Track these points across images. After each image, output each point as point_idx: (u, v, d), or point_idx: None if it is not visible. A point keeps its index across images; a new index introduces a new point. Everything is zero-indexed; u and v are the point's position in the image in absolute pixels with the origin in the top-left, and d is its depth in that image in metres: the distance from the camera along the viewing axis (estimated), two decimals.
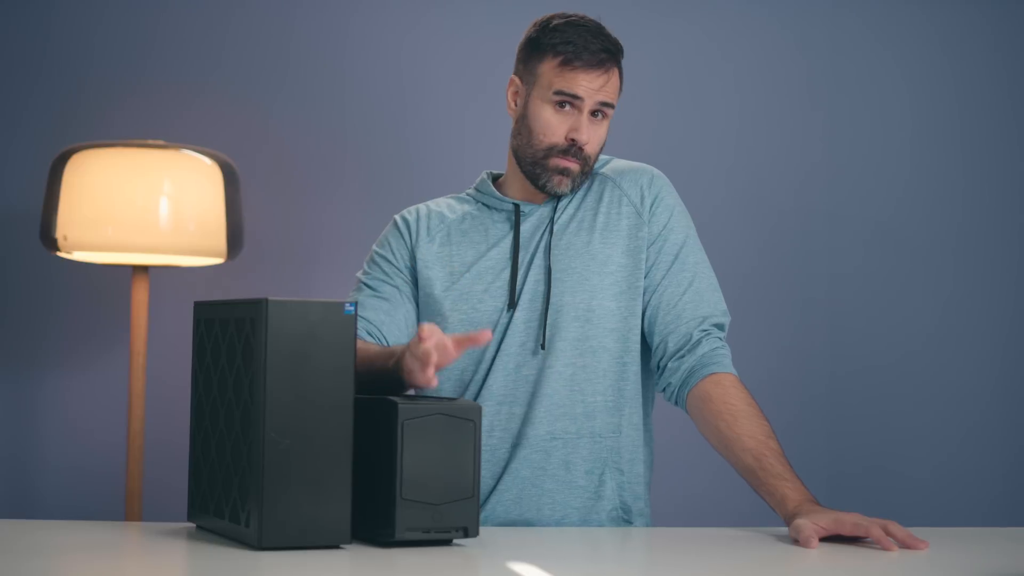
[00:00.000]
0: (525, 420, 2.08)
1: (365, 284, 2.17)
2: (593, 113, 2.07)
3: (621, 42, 2.10)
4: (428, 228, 2.17)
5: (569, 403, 2.08)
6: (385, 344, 2.08)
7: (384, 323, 2.11)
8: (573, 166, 2.07)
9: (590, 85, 2.04)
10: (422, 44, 3.25)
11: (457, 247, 2.15)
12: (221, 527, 1.71)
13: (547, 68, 2.07)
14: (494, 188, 2.17)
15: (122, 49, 3.21)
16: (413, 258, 2.16)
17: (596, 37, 2.05)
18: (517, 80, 2.13)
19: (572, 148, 2.06)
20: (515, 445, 2.08)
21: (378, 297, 2.14)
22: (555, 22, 2.08)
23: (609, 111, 2.08)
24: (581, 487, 2.08)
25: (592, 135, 2.07)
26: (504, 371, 2.09)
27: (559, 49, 2.05)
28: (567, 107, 2.06)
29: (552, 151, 2.07)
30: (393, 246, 2.18)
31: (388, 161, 3.22)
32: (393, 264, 2.16)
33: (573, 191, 2.11)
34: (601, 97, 2.06)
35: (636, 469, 2.12)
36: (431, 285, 2.13)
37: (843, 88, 3.29)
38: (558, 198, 2.13)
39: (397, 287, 2.15)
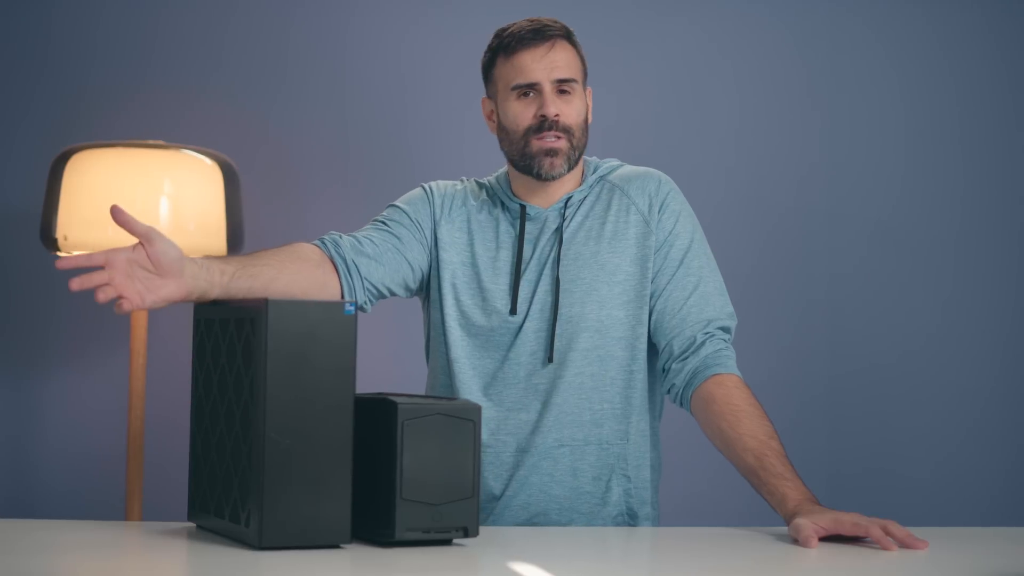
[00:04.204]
0: (534, 428, 2.08)
1: (380, 220, 2.16)
2: (559, 92, 2.10)
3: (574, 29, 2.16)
4: (451, 208, 2.18)
5: (577, 411, 2.08)
6: (342, 261, 2.06)
7: (375, 253, 2.09)
8: (556, 144, 2.10)
9: (537, 63, 2.09)
10: (422, 44, 3.25)
11: (474, 239, 2.16)
12: (221, 527, 1.71)
13: (500, 69, 2.13)
14: (509, 185, 2.19)
15: (122, 50, 3.21)
16: (434, 231, 2.16)
17: (534, 22, 2.13)
18: (487, 100, 2.20)
19: (546, 123, 2.09)
20: (523, 451, 2.08)
21: (390, 232, 2.14)
22: (499, 30, 2.17)
23: (573, 85, 2.11)
24: (588, 493, 2.09)
25: (562, 107, 2.10)
26: (515, 378, 2.10)
27: (502, 45, 2.13)
28: (530, 94, 2.10)
29: (529, 134, 2.10)
30: (419, 207, 2.18)
31: (388, 161, 3.22)
32: (412, 219, 2.16)
33: (569, 170, 2.12)
34: (555, 75, 2.09)
35: (643, 475, 2.12)
36: (443, 268, 2.14)
37: (842, 88, 3.29)
38: (565, 204, 2.14)
39: (412, 235, 2.15)
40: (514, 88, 2.10)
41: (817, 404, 3.25)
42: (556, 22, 2.14)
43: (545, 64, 2.09)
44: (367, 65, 3.24)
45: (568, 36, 2.14)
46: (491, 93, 2.17)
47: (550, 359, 2.08)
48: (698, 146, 3.26)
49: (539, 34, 2.10)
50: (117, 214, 1.71)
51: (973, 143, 3.30)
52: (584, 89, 2.16)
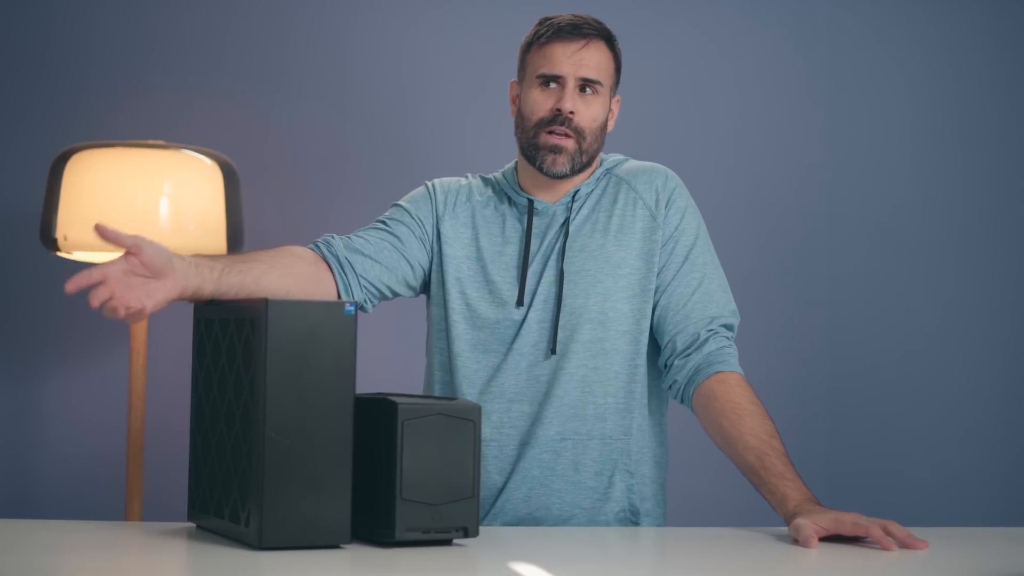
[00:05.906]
0: (535, 420, 2.08)
1: (379, 220, 2.17)
2: (582, 89, 2.10)
3: (615, 33, 2.15)
4: (456, 203, 2.18)
5: (580, 404, 2.08)
6: (335, 258, 2.06)
7: (370, 251, 2.10)
8: (563, 142, 2.09)
9: (567, 58, 2.08)
10: (422, 44, 3.25)
11: (479, 234, 2.16)
12: (221, 527, 1.71)
13: (532, 56, 2.13)
14: (517, 179, 2.18)
15: (122, 50, 3.21)
16: (437, 229, 2.16)
17: (576, 18, 2.12)
18: (515, 84, 2.19)
19: (559, 118, 2.08)
20: (524, 444, 2.08)
21: (387, 231, 2.14)
22: (543, 18, 2.15)
23: (597, 87, 2.10)
24: (590, 488, 2.09)
25: (580, 107, 2.09)
26: (516, 370, 2.10)
27: (540, 34, 2.12)
28: (552, 85, 2.10)
29: (540, 125, 2.10)
30: (420, 204, 2.18)
31: (388, 161, 3.22)
32: (412, 216, 2.16)
33: (573, 171, 2.12)
34: (582, 73, 2.09)
35: (644, 470, 2.12)
36: (447, 263, 2.14)
37: (843, 88, 3.29)
38: (572, 198, 2.14)
39: (412, 232, 2.15)
40: (539, 76, 2.10)
41: (817, 404, 3.25)
42: (599, 22, 2.13)
43: (574, 60, 2.08)
44: (367, 65, 3.24)
45: (607, 39, 2.13)
46: (520, 78, 2.17)
47: (552, 351, 2.08)
48: (698, 146, 3.26)
49: (577, 29, 2.10)
50: (102, 232, 1.72)
51: (973, 143, 3.30)
52: (612, 96, 2.15)
